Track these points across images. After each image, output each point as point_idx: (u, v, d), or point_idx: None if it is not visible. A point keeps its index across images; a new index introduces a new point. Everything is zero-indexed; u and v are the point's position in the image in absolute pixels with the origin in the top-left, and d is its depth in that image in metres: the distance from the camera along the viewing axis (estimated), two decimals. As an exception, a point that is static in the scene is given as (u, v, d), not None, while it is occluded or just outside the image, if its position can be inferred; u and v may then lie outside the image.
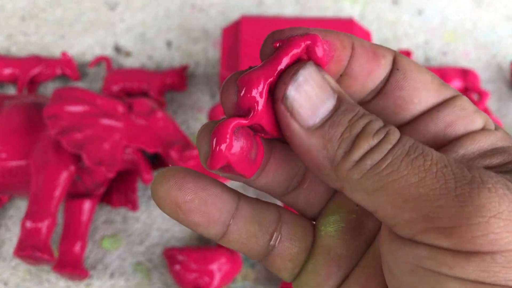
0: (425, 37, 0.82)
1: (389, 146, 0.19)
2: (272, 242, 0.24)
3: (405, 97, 0.22)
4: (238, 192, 0.24)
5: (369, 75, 0.22)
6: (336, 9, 0.84)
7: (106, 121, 0.58)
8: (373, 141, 0.19)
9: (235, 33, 0.67)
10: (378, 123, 0.20)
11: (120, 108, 0.60)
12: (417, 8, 0.85)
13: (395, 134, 0.20)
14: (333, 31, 0.22)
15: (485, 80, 0.80)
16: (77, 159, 0.58)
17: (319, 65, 0.21)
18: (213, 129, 0.21)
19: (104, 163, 0.57)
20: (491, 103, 0.78)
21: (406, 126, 0.23)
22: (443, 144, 0.22)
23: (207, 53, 0.80)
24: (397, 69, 0.22)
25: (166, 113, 0.63)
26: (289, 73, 0.20)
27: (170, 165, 0.60)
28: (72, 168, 0.57)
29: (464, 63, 0.81)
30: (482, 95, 0.74)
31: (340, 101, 0.20)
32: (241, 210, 0.24)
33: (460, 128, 0.22)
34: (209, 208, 0.23)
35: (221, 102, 0.22)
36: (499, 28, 0.84)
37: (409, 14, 0.84)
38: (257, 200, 0.25)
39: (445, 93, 0.22)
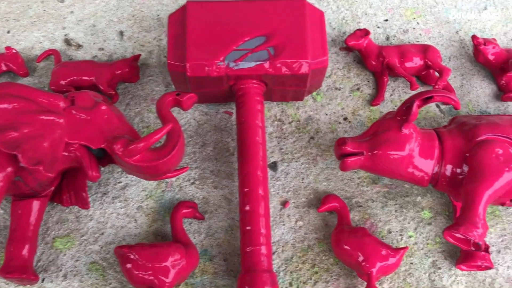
0: (385, 16, 0.80)
1: None
2: None
3: None
4: None
5: None
6: (293, -10, 0.81)
7: (45, 118, 0.55)
8: None
9: (181, 20, 0.64)
10: None
11: (61, 103, 0.57)
12: (376, -14, 0.82)
13: None
14: None
15: (448, 56, 0.78)
16: (15, 159, 0.55)
17: None
18: None
19: (44, 163, 0.54)
20: (454, 80, 0.76)
21: None
22: None
23: (160, 42, 0.77)
24: None
25: (112, 105, 0.61)
26: None
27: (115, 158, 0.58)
28: (10, 169, 0.54)
29: (425, 41, 0.79)
30: (443, 71, 0.72)
31: None
32: None
33: None
34: None
35: None
36: (461, 3, 0.82)
37: (368, -8, 0.82)
38: None
39: None
